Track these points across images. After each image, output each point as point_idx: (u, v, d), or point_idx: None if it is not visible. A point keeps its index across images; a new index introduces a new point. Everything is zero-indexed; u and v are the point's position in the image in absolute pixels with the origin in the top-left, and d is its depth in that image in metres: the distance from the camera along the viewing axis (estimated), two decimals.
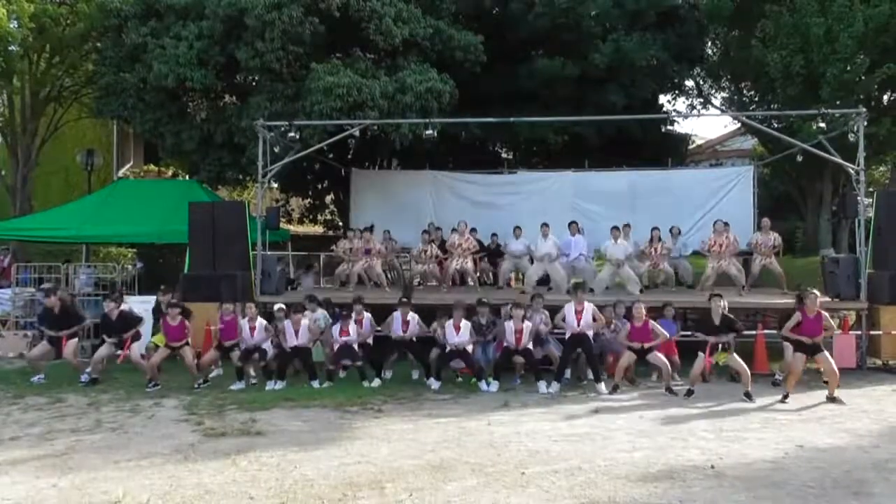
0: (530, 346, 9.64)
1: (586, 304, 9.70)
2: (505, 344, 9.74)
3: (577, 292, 9.90)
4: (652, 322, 9.45)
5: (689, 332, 10.26)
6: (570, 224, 13.03)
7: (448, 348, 9.64)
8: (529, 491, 5.62)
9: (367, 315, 10.32)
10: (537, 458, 6.47)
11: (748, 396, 8.76)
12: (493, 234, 14.80)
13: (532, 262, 12.81)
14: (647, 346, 9.30)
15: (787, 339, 9.22)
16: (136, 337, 10.16)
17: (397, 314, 10.09)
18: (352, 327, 9.97)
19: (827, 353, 8.85)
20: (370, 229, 13.76)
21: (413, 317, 10.08)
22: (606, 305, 10.30)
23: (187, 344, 9.94)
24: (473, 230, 13.69)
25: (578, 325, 9.57)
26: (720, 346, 8.96)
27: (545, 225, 12.54)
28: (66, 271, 13.43)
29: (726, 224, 12.41)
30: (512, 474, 6.01)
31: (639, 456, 6.51)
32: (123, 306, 10.30)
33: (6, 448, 6.91)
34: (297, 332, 9.79)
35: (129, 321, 10.16)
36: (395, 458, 6.47)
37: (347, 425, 7.68)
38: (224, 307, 10.11)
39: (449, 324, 9.72)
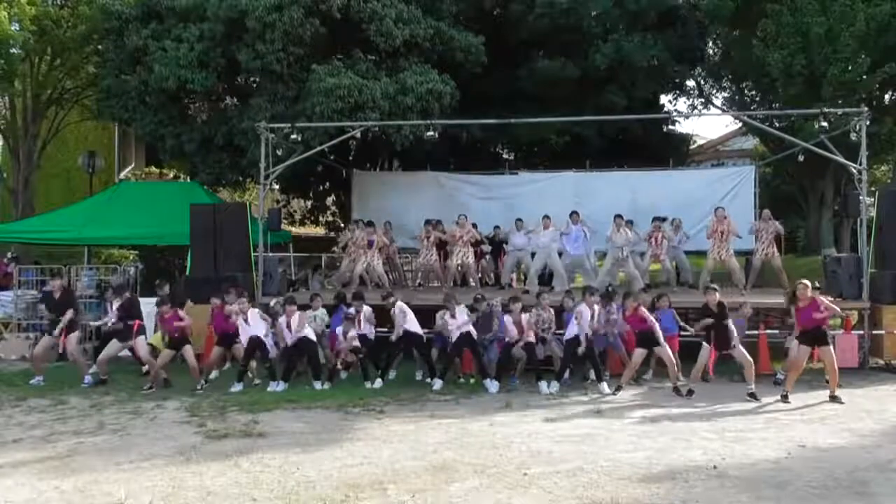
0: (532, 338, 9.58)
1: (586, 310, 9.53)
2: (506, 339, 9.67)
3: (578, 302, 9.73)
4: (642, 309, 9.41)
5: (689, 332, 10.25)
6: (571, 214, 12.99)
7: (456, 334, 9.62)
8: (532, 492, 5.62)
9: (366, 308, 10.33)
10: (539, 458, 6.46)
11: (753, 396, 8.75)
12: (496, 227, 14.80)
13: (533, 257, 12.83)
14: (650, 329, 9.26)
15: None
16: (141, 330, 10.11)
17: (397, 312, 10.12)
18: (357, 326, 9.97)
19: (830, 348, 8.83)
20: (371, 224, 13.71)
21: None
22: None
23: (188, 342, 9.92)
24: (474, 225, 13.71)
25: (579, 329, 9.48)
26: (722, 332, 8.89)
27: (546, 217, 12.55)
28: (68, 273, 13.44)
29: (725, 215, 12.37)
30: (514, 475, 6.00)
31: (641, 456, 6.51)
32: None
33: (8, 450, 6.91)
34: (289, 325, 9.76)
35: (135, 309, 10.24)
36: (397, 459, 6.47)
37: (349, 426, 7.68)
38: (213, 301, 10.16)
39: (447, 315, 9.74)
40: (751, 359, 8.98)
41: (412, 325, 9.98)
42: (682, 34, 17.97)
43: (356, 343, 9.97)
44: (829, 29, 15.27)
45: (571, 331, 9.55)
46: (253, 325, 9.78)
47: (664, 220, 12.97)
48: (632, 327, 9.53)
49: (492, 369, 9.72)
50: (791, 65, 15.62)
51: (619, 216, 12.55)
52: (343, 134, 13.66)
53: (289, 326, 9.79)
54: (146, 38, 14.74)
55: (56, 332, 10.05)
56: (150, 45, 14.60)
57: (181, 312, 9.95)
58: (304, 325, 9.84)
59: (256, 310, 10.00)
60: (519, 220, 13.28)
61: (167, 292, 10.88)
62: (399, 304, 10.10)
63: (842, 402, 8.56)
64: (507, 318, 9.67)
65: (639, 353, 9.43)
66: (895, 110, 16.89)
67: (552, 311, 10.14)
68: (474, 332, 9.74)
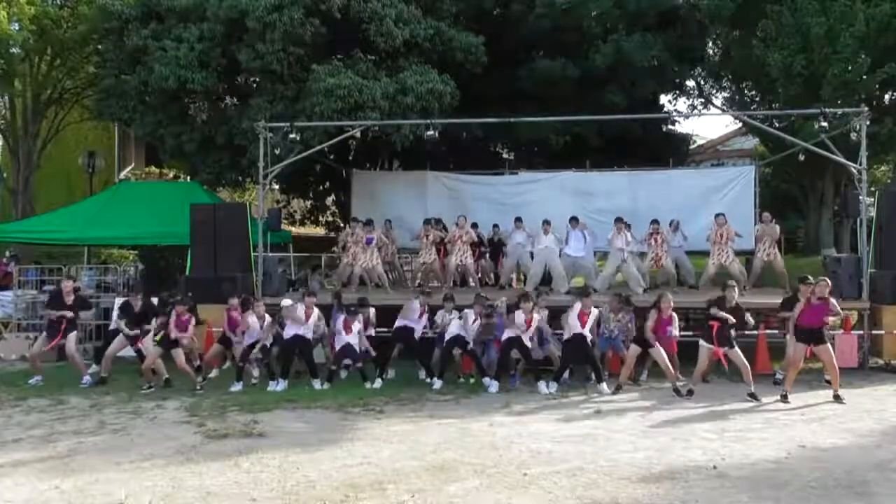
0: (528, 343, 9.56)
1: (593, 310, 9.59)
2: (510, 334, 9.55)
3: (582, 298, 9.70)
4: (675, 316, 9.51)
5: (690, 333, 10.26)
6: (570, 219, 12.98)
7: (453, 335, 9.69)
8: (531, 492, 5.62)
9: (370, 310, 10.36)
10: (539, 458, 6.47)
11: (753, 396, 8.74)
12: (495, 226, 14.80)
13: (533, 258, 12.82)
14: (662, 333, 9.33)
15: (794, 328, 9.15)
16: (146, 332, 10.17)
17: (415, 304, 10.25)
18: (355, 326, 9.94)
19: (829, 347, 8.84)
20: (370, 223, 13.69)
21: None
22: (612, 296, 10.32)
23: (178, 346, 9.82)
24: (475, 225, 13.68)
25: (582, 328, 9.46)
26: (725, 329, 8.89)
27: (546, 222, 12.54)
28: (68, 273, 13.42)
29: (725, 221, 12.39)
30: (514, 475, 6.01)
31: (641, 456, 6.51)
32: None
33: (8, 450, 6.92)
34: (307, 316, 9.77)
35: (151, 312, 10.33)
36: (397, 459, 6.47)
37: (349, 426, 7.69)
38: (231, 302, 10.18)
39: (470, 314, 9.80)
40: (747, 364, 8.96)
41: (410, 321, 10.02)
42: (682, 34, 17.97)
43: (351, 339, 9.93)
44: (829, 29, 15.27)
45: (570, 330, 9.54)
46: (264, 329, 9.85)
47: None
48: (661, 330, 9.42)
49: (492, 369, 9.72)
50: (791, 65, 15.63)
51: (619, 219, 12.50)
52: (343, 134, 13.66)
53: (307, 316, 9.81)
54: (146, 38, 14.73)
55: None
56: (150, 45, 14.58)
57: (193, 320, 9.97)
58: (311, 320, 9.85)
59: (270, 319, 10.03)
60: (518, 219, 13.27)
61: (190, 295, 10.86)
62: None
63: (843, 402, 8.57)
64: (518, 313, 9.54)
65: (633, 350, 9.42)
66: (895, 110, 16.86)
67: (546, 311, 10.12)
68: (468, 338, 9.75)
